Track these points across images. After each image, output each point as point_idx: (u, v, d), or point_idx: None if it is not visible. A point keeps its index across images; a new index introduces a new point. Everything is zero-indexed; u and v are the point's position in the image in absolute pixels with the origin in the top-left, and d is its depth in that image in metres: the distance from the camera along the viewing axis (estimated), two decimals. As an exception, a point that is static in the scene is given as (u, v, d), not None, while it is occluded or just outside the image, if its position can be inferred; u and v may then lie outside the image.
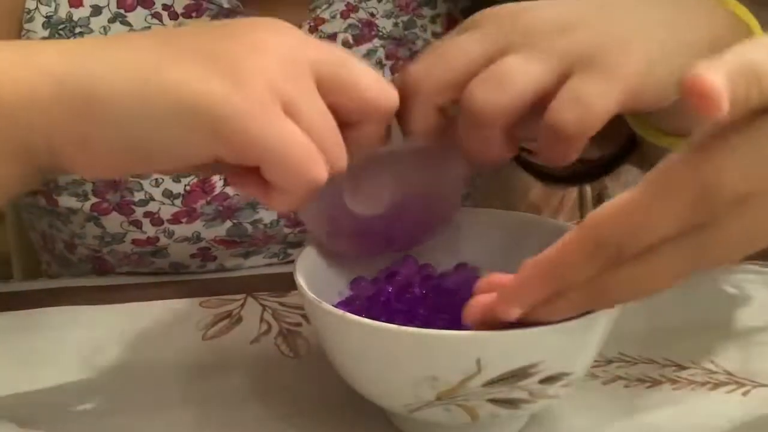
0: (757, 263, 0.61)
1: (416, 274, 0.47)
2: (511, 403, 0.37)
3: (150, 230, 0.60)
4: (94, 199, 0.59)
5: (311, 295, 0.39)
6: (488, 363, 0.35)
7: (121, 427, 0.43)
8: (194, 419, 0.44)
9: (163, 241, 0.60)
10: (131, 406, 0.45)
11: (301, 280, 0.41)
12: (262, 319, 0.54)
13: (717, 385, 0.46)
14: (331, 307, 0.38)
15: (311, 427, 0.43)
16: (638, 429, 0.43)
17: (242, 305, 0.56)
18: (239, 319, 0.54)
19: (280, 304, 0.56)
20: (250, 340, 0.51)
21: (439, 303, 0.45)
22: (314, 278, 0.42)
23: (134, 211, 0.59)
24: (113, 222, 0.59)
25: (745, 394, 0.45)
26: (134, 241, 0.60)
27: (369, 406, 0.40)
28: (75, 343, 0.51)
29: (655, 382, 0.47)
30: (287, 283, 0.58)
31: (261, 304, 0.56)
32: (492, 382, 0.36)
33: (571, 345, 0.37)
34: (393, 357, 0.37)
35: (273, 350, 0.50)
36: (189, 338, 0.52)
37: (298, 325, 0.53)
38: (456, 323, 0.38)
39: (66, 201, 0.59)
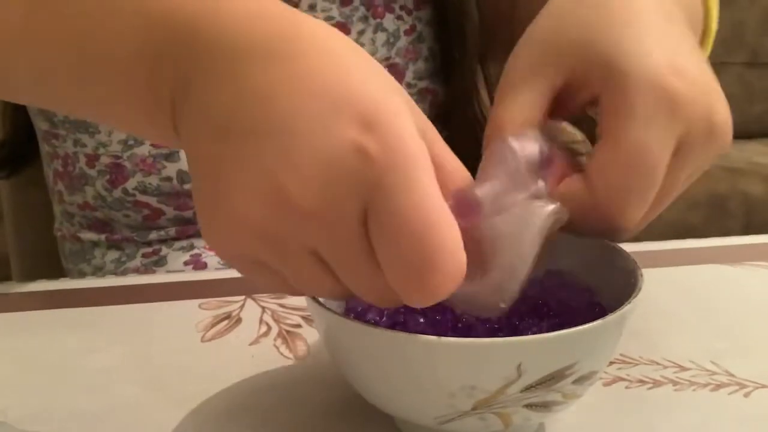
0: (759, 262, 0.61)
1: None
2: (545, 406, 0.37)
3: None
4: None
5: (330, 312, 0.37)
6: (528, 367, 0.34)
7: (119, 429, 0.43)
8: (193, 422, 0.44)
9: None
10: (129, 408, 0.45)
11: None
12: (261, 321, 0.54)
13: (718, 386, 0.46)
14: (359, 322, 0.36)
15: (311, 430, 0.43)
16: (639, 430, 0.43)
17: (242, 307, 0.56)
18: (238, 321, 0.54)
19: (280, 305, 0.55)
20: (249, 342, 0.51)
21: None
22: None
23: None
24: None
25: (746, 395, 0.45)
26: (153, 143, 0.68)
27: (371, 409, 0.40)
28: (72, 344, 0.51)
29: (656, 383, 0.46)
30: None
31: (260, 306, 0.56)
32: (530, 387, 0.35)
33: (603, 342, 0.37)
34: (429, 369, 0.35)
35: (272, 352, 0.50)
36: (188, 340, 0.52)
37: (298, 326, 0.53)
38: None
39: None
